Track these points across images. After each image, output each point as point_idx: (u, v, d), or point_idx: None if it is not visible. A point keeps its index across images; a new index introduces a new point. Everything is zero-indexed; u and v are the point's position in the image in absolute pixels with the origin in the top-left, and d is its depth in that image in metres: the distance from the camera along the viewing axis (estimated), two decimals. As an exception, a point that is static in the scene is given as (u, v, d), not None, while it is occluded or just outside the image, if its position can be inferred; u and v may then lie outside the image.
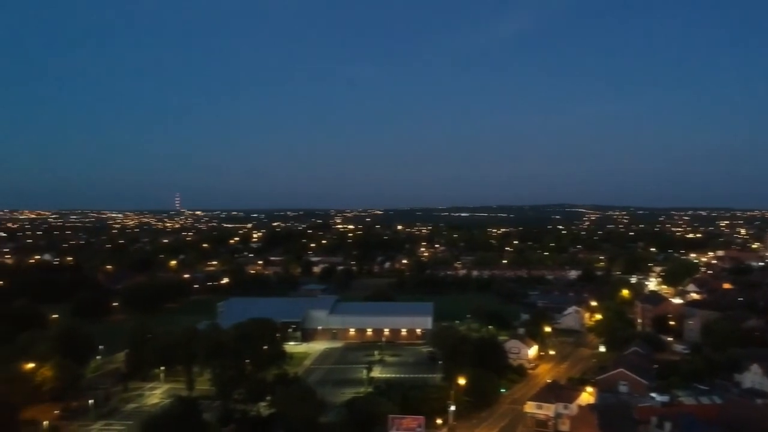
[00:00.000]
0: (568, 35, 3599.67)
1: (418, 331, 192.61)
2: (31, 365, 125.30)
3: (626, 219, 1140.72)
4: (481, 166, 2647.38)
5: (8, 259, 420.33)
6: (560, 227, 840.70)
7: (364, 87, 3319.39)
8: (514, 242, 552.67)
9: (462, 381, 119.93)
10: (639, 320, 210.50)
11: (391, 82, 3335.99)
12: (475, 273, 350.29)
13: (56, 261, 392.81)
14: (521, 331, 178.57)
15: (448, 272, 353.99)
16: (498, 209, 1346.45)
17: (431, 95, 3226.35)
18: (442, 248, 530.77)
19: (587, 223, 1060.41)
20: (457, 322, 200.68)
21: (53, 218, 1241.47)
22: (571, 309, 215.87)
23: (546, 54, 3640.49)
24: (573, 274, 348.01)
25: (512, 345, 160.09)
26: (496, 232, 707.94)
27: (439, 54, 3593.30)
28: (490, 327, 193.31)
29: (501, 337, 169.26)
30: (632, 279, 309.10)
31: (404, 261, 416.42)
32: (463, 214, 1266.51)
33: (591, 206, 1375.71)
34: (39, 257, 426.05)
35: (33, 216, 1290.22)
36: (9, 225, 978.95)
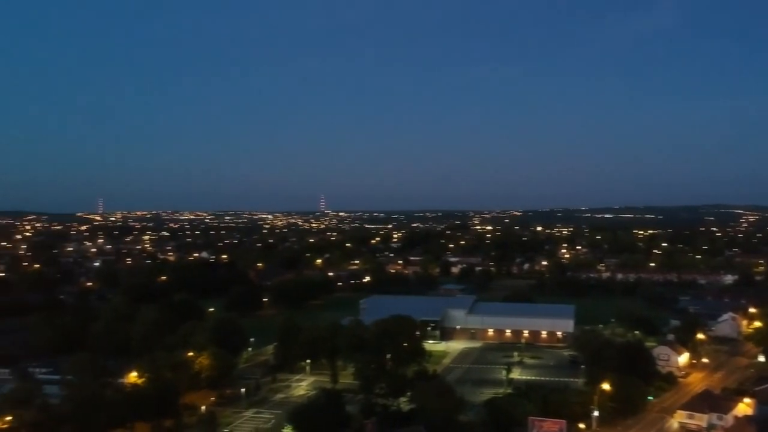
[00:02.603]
0: (708, 29, 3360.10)
1: (559, 333, 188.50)
2: (190, 354, 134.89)
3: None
4: (626, 165, 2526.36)
5: (170, 257, 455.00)
6: (714, 229, 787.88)
7: (501, 87, 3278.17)
8: (663, 244, 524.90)
9: (606, 386, 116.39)
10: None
11: (524, 81, 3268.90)
12: (619, 276, 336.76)
13: (212, 258, 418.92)
14: (671, 337, 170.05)
15: (591, 275, 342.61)
16: (645, 210, 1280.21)
17: (567, 94, 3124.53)
18: (584, 250, 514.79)
19: (744, 224, 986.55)
20: (601, 326, 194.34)
21: (210, 219, 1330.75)
22: (727, 315, 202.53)
23: (688, 49, 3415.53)
24: (728, 278, 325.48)
25: (661, 351, 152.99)
26: (642, 234, 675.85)
27: (576, 50, 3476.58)
28: (636, 332, 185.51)
29: (648, 343, 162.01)
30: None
31: (544, 262, 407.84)
32: (606, 216, 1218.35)
33: (749, 207, 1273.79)
34: (197, 255, 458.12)
35: (192, 217, 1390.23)
36: (171, 225, 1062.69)
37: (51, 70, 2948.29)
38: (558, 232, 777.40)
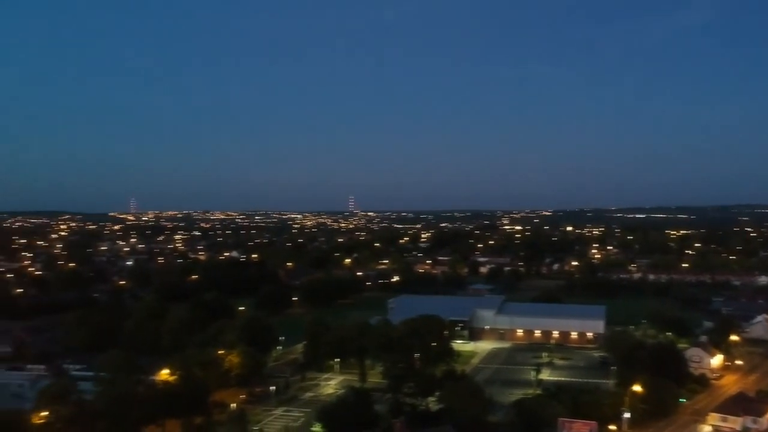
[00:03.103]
0: (742, 26, 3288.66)
1: (589, 334, 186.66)
2: (220, 352, 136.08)
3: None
4: (657, 165, 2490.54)
5: (201, 256, 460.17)
6: (748, 229, 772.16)
7: (532, 86, 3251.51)
8: (696, 245, 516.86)
9: (638, 388, 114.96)
10: None
11: (555, 80, 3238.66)
12: (651, 277, 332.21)
13: (243, 258, 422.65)
14: (703, 339, 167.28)
15: (622, 275, 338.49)
16: (677, 210, 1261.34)
17: (598, 93, 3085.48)
18: (615, 250, 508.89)
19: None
20: (632, 327, 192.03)
21: (240, 219, 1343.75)
22: (761, 317, 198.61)
23: (721, 46, 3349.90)
24: (763, 279, 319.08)
25: (693, 353, 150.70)
26: (675, 234, 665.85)
27: (605, 49, 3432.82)
28: (668, 333, 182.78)
29: (681, 345, 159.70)
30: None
31: (574, 263, 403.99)
32: (638, 216, 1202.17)
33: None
34: (228, 254, 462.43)
35: (223, 216, 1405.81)
36: (202, 225, 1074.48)
37: (88, 72, 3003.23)
38: (588, 232, 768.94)
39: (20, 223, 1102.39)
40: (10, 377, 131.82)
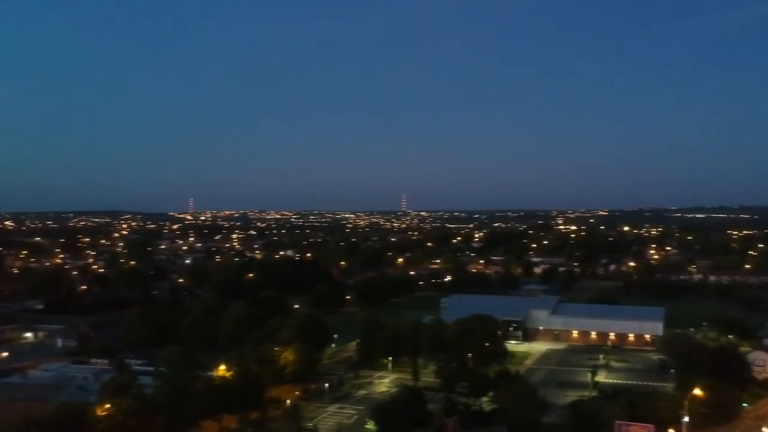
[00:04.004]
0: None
1: (647, 336, 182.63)
2: (276, 348, 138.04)
3: None
4: (719, 164, 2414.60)
5: (257, 255, 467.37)
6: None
7: (587, 84, 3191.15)
8: (759, 245, 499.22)
9: (698, 391, 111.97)
10: None
11: (613, 78, 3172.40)
12: (712, 278, 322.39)
13: (297, 257, 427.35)
14: (767, 341, 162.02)
15: (681, 276, 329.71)
16: (739, 210, 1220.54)
17: (657, 91, 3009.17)
18: (674, 251, 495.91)
19: None
20: (692, 329, 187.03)
21: (295, 218, 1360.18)
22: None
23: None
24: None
25: (756, 357, 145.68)
26: (737, 235, 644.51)
27: (667, 47, 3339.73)
28: (729, 336, 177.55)
29: (743, 348, 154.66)
30: None
31: (631, 263, 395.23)
32: (698, 215, 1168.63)
33: None
34: (283, 253, 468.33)
35: (278, 216, 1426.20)
36: (258, 224, 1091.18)
37: (150, 75, 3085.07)
38: (646, 232, 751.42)
39: (84, 223, 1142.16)
40: (76, 370, 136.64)
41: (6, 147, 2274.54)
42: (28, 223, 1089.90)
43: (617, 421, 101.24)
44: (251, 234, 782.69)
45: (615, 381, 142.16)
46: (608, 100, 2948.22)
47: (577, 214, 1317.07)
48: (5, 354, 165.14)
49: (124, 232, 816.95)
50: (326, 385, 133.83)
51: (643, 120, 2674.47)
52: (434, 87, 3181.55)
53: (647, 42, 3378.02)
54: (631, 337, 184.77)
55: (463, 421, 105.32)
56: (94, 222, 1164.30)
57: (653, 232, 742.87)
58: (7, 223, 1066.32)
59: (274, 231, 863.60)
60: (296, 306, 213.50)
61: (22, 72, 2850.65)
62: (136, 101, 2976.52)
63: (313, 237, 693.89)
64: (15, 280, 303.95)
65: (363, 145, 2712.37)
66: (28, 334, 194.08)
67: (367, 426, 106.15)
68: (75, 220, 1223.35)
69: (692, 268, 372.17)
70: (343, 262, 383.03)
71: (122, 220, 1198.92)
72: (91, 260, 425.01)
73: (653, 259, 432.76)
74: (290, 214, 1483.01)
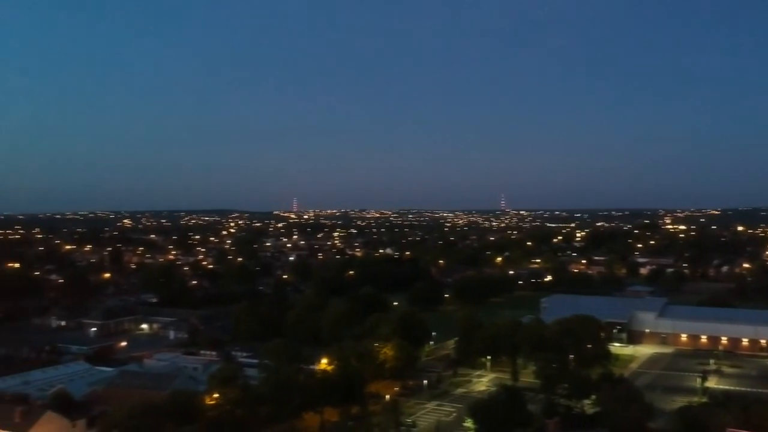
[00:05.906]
0: None
1: (763, 341, 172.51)
2: (376, 344, 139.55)
3: None
4: None
5: (358, 252, 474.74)
6: None
7: (701, 79, 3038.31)
8: None
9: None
10: None
11: (728, 71, 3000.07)
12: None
13: (396, 255, 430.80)
14: None
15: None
16: None
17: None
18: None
19: None
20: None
21: (394, 217, 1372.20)
22: None
23: None
24: None
25: None
26: None
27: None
28: None
29: None
30: None
31: (745, 265, 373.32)
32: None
33: None
34: (382, 251, 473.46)
35: (377, 215, 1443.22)
36: (359, 223, 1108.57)
37: (252, 82, 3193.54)
38: (762, 232, 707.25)
39: (195, 221, 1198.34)
40: (187, 361, 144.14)
41: (124, 152, 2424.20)
42: (143, 221, 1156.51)
43: (729, 429, 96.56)
44: (352, 232, 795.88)
45: (727, 387, 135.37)
46: (722, 93, 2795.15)
47: (687, 213, 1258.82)
48: (124, 343, 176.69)
49: (232, 230, 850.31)
50: (425, 381, 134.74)
51: (757, 114, 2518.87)
52: (531, 86, 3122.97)
53: (759, 35, 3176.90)
54: (745, 341, 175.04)
55: (564, 422, 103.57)
56: (204, 220, 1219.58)
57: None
58: (125, 221, 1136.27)
59: (374, 229, 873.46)
60: (395, 303, 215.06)
61: (129, 80, 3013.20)
62: (242, 106, 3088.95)
63: (411, 236, 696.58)
64: (132, 275, 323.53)
65: (462, 145, 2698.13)
66: (144, 326, 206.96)
67: (465, 424, 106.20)
68: (186, 218, 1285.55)
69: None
70: (441, 261, 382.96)
71: (230, 218, 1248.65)
72: (201, 256, 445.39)
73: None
74: (389, 213, 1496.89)
